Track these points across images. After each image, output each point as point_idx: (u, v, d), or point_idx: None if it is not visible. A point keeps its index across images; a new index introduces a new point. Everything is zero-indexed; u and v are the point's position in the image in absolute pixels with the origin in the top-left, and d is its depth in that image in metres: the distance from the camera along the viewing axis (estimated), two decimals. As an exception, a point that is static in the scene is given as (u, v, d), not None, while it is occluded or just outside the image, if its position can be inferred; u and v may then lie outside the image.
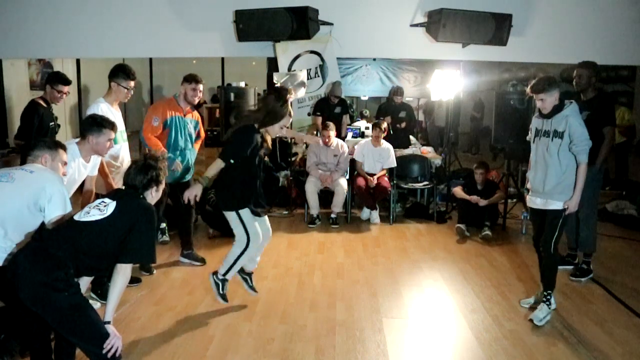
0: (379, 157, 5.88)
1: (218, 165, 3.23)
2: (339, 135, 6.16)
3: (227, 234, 5.01)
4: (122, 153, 3.89)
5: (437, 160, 6.50)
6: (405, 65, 7.49)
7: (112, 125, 3.10)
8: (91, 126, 3.05)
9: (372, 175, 5.82)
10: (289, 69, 6.01)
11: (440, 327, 3.33)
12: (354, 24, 5.95)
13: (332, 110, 6.34)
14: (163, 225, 4.90)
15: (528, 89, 3.36)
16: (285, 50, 6.00)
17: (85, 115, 3.75)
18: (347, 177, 5.91)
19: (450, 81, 6.17)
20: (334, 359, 2.90)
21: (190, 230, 4.37)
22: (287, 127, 3.52)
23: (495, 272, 4.32)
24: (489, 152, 10.25)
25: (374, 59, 7.30)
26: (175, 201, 4.32)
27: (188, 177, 4.32)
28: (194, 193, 3.20)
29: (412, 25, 5.91)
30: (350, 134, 6.94)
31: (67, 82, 4.39)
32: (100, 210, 2.30)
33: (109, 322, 2.26)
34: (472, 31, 5.48)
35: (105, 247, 2.26)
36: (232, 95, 5.65)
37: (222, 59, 8.02)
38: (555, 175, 3.30)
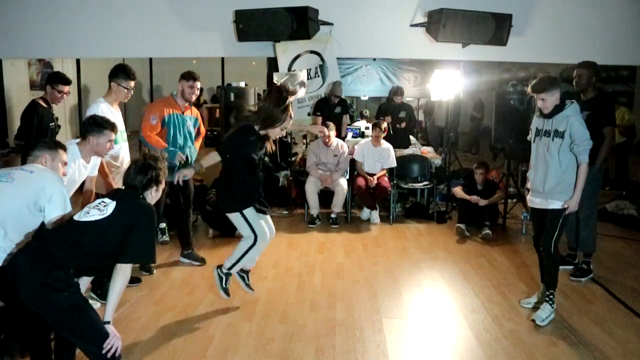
0: (379, 157, 5.88)
1: (214, 157, 3.28)
2: (339, 135, 6.16)
3: (227, 234, 5.03)
4: (122, 153, 3.89)
5: (437, 160, 6.50)
6: (405, 65, 7.49)
7: (112, 126, 3.10)
8: (92, 127, 3.05)
9: (372, 175, 5.82)
10: (289, 69, 6.01)
11: (440, 327, 3.33)
12: (354, 24, 5.95)
13: (332, 110, 6.34)
14: (163, 225, 4.90)
15: (529, 89, 3.36)
16: (285, 50, 6.00)
17: (86, 115, 3.75)
18: (347, 177, 5.91)
19: (450, 81, 6.16)
20: (334, 359, 2.90)
21: (189, 230, 4.37)
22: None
23: (495, 272, 4.32)
24: (489, 152, 10.24)
25: (374, 59, 7.30)
26: (174, 201, 4.32)
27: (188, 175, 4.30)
28: (184, 173, 3.30)
29: (412, 25, 5.91)
30: (350, 134, 6.94)
31: (67, 82, 4.39)
32: (100, 210, 2.30)
33: (108, 322, 2.26)
34: (472, 31, 5.47)
35: (105, 247, 2.26)
36: (232, 95, 5.66)
37: (222, 59, 8.03)
38: (556, 175, 3.30)
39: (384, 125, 5.89)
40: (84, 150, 3.09)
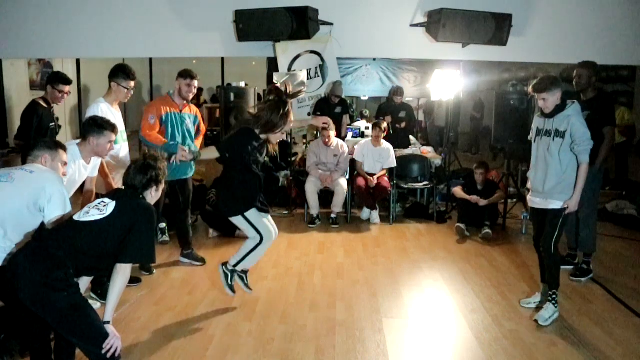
0: (379, 157, 5.88)
1: (212, 152, 3.32)
2: (339, 135, 6.16)
3: (227, 234, 5.03)
4: (122, 153, 3.89)
5: (437, 160, 6.50)
6: (405, 65, 7.49)
7: (113, 128, 3.10)
8: (92, 128, 3.05)
9: (372, 175, 5.82)
10: (289, 69, 6.01)
11: (440, 327, 3.33)
12: (354, 24, 5.95)
13: (332, 110, 6.34)
14: (163, 225, 4.90)
15: (530, 89, 3.36)
16: (285, 50, 6.00)
17: (86, 115, 3.75)
18: (347, 177, 5.91)
19: (450, 81, 6.17)
20: (334, 359, 2.90)
21: (188, 230, 4.36)
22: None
23: (495, 272, 4.32)
24: (489, 152, 10.25)
25: (374, 59, 7.30)
26: (173, 201, 4.32)
27: (190, 173, 4.30)
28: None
29: (412, 25, 5.91)
30: (350, 134, 6.94)
31: (68, 81, 4.39)
32: (100, 210, 2.30)
33: (108, 322, 2.26)
34: (472, 31, 5.47)
35: (105, 247, 2.26)
36: (232, 95, 5.65)
37: (222, 59, 8.02)
38: (556, 175, 3.30)
39: (384, 125, 5.90)
40: (84, 151, 3.09)
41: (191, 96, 4.20)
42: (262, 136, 3.31)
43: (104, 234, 2.25)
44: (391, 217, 5.86)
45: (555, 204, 3.32)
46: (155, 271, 4.13)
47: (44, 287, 2.10)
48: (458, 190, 5.60)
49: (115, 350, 2.21)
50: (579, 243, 4.27)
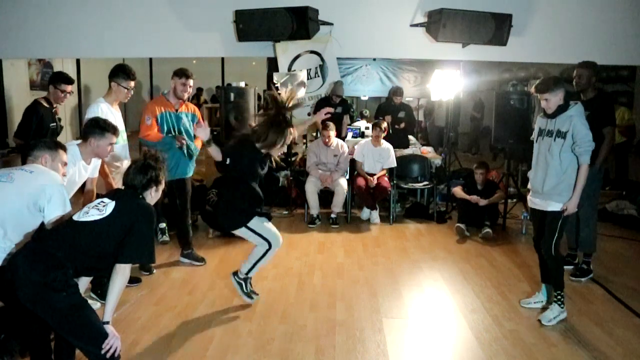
0: (379, 157, 5.88)
1: (217, 153, 3.35)
2: (339, 135, 6.16)
3: (227, 234, 5.02)
4: (122, 153, 3.89)
5: (437, 160, 6.50)
6: (405, 65, 7.49)
7: (114, 130, 3.10)
8: (93, 129, 3.05)
9: (372, 175, 5.82)
10: (289, 69, 6.01)
11: (440, 327, 3.33)
12: (354, 24, 5.95)
13: (333, 109, 6.33)
14: (163, 225, 4.90)
15: (532, 89, 3.36)
16: (285, 50, 6.00)
17: (86, 115, 3.75)
18: (347, 177, 5.91)
19: (450, 81, 6.17)
20: (334, 359, 2.90)
21: (188, 230, 4.36)
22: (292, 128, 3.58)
23: (495, 272, 4.32)
24: (489, 152, 10.26)
25: (374, 59, 7.30)
26: (173, 200, 4.32)
27: (189, 173, 4.30)
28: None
29: (412, 25, 5.91)
30: (350, 134, 6.94)
31: (70, 81, 4.39)
32: (99, 210, 2.30)
33: (107, 323, 2.26)
34: (472, 31, 5.48)
35: (104, 247, 2.26)
36: (232, 95, 5.65)
37: (222, 59, 8.02)
38: (555, 176, 3.29)
39: (384, 125, 5.89)
40: (84, 152, 3.09)
41: (186, 95, 4.16)
42: (263, 151, 3.35)
43: (104, 234, 2.25)
44: (391, 217, 5.86)
45: (554, 206, 3.32)
46: (155, 271, 4.13)
47: (43, 288, 2.10)
48: (458, 190, 5.60)
49: (115, 351, 2.21)
50: (579, 243, 4.26)
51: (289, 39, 5.75)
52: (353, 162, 5.94)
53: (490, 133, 6.39)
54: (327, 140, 5.77)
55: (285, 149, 3.54)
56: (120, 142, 3.83)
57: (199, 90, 12.61)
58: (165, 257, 4.48)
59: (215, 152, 3.36)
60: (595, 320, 3.43)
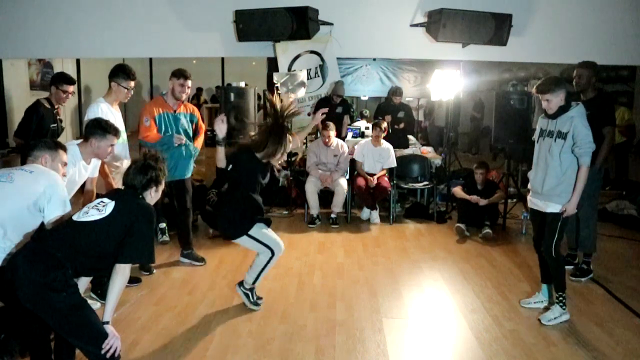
0: (379, 157, 5.88)
1: (221, 159, 3.33)
2: (339, 136, 6.16)
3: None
4: (122, 153, 3.89)
5: (437, 160, 6.50)
6: (405, 65, 7.49)
7: (116, 132, 3.10)
8: (95, 130, 3.05)
9: (372, 175, 5.82)
10: (289, 69, 6.02)
11: (440, 327, 3.33)
12: (354, 24, 5.95)
13: (333, 109, 6.34)
14: (163, 225, 4.90)
15: (534, 89, 3.36)
16: (285, 50, 6.00)
17: (86, 115, 3.76)
18: (347, 177, 5.91)
19: (450, 81, 6.17)
20: (334, 359, 2.90)
21: (189, 230, 4.36)
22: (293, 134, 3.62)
23: (495, 272, 4.32)
24: (489, 152, 10.25)
25: (374, 59, 7.30)
26: (173, 201, 4.31)
27: (188, 174, 4.30)
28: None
29: (412, 25, 5.91)
30: (350, 134, 6.94)
31: (72, 81, 4.39)
32: (99, 210, 2.30)
33: (107, 323, 2.26)
34: (472, 31, 5.48)
35: (104, 247, 2.26)
36: (232, 95, 5.65)
37: (222, 59, 8.04)
38: (555, 176, 3.28)
39: (384, 125, 5.89)
40: (84, 152, 3.09)
41: (184, 96, 4.15)
42: (264, 160, 3.36)
43: (103, 234, 2.25)
44: (391, 217, 5.86)
45: (554, 207, 3.31)
46: (155, 271, 4.13)
47: (43, 288, 2.10)
48: (458, 190, 5.60)
49: (115, 351, 2.21)
50: (579, 243, 4.26)
51: (289, 39, 5.75)
52: (353, 162, 5.94)
53: (490, 133, 6.38)
54: (327, 140, 5.77)
55: (285, 157, 3.54)
56: (120, 142, 3.83)
57: (199, 90, 12.61)
58: (165, 257, 4.48)
59: (221, 156, 3.33)
60: (595, 320, 3.43)
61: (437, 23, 5.48)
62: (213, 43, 5.98)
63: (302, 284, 3.99)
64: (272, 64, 6.21)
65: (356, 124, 7.41)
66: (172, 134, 4.06)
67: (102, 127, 3.05)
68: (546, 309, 3.49)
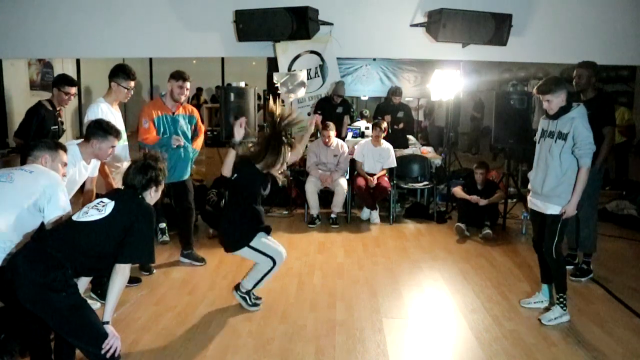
0: (379, 157, 5.88)
1: (231, 158, 3.35)
2: (339, 136, 6.16)
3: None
4: (122, 153, 3.89)
5: (437, 160, 6.50)
6: (405, 65, 7.49)
7: (117, 134, 3.10)
8: (97, 130, 3.05)
9: (372, 175, 5.82)
10: (289, 69, 6.02)
11: (440, 327, 3.33)
12: (354, 24, 5.96)
13: (334, 109, 6.34)
14: (163, 225, 4.89)
15: (534, 90, 3.35)
16: (285, 50, 6.00)
17: (86, 115, 3.76)
18: (347, 177, 5.91)
19: (450, 81, 6.16)
20: (334, 359, 2.90)
21: (190, 230, 4.36)
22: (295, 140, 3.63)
23: (495, 272, 4.32)
24: (489, 152, 10.25)
25: (374, 59, 7.30)
26: (175, 201, 4.31)
27: (186, 176, 4.29)
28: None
29: (412, 25, 5.91)
30: (350, 134, 6.94)
31: (74, 83, 4.39)
32: (99, 210, 2.30)
33: (107, 323, 2.26)
34: (472, 31, 5.48)
35: (104, 247, 2.26)
36: (232, 95, 5.65)
37: (222, 59, 8.02)
38: (555, 177, 3.28)
39: (384, 125, 5.89)
40: (84, 152, 3.09)
41: (183, 98, 4.14)
42: (264, 171, 3.37)
43: (103, 234, 2.25)
44: (391, 217, 5.86)
45: (553, 209, 3.30)
46: (155, 271, 4.13)
47: (42, 288, 2.10)
48: (458, 190, 5.60)
49: (115, 351, 2.21)
50: (579, 243, 4.26)
51: (289, 39, 5.75)
52: (353, 162, 5.94)
53: (490, 133, 6.38)
54: (327, 140, 5.77)
55: (286, 167, 3.54)
56: (121, 144, 3.83)
57: (199, 90, 12.61)
58: (165, 257, 4.48)
59: (230, 162, 3.33)
60: (595, 320, 3.43)
61: (437, 23, 5.48)
62: (213, 43, 5.98)
63: (302, 284, 3.99)
64: (272, 64, 6.21)
65: (356, 124, 7.41)
66: (170, 136, 4.05)
67: (103, 129, 3.05)
68: (546, 309, 3.49)
